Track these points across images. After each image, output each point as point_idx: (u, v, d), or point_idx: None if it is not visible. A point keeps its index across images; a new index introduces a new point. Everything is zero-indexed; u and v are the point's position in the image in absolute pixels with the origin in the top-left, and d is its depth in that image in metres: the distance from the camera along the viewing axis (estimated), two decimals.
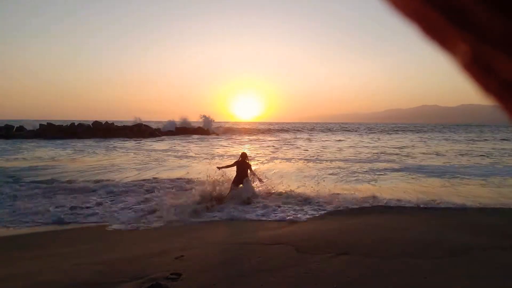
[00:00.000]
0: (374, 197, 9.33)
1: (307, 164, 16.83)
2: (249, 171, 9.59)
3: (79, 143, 29.18)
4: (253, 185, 9.51)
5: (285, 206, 8.57)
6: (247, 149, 26.48)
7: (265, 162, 17.41)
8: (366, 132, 62.26)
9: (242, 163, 9.58)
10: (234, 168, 9.68)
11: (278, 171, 14.14)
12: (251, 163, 10.22)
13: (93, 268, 4.63)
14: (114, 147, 26.72)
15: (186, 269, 4.43)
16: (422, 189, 10.70)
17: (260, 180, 9.65)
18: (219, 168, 9.67)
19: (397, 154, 22.06)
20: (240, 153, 10.08)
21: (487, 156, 20.49)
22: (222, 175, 9.66)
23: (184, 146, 28.22)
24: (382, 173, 13.86)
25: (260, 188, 9.69)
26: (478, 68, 0.26)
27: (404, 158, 19.87)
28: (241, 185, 9.48)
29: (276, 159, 18.85)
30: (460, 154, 21.78)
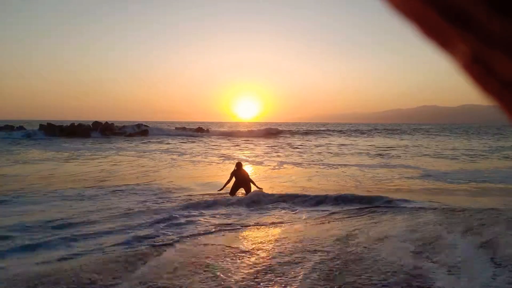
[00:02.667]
0: None
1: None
2: (248, 180, 9.81)
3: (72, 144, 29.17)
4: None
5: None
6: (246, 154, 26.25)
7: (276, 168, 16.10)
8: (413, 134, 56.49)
9: (239, 173, 9.79)
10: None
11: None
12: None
13: None
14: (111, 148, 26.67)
15: None
16: None
17: (259, 189, 9.79)
18: (220, 190, 9.75)
19: None
20: (235, 164, 10.17)
21: None
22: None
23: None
24: None
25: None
26: (478, 69, 0.26)
27: None
28: (240, 190, 9.78)
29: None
30: None
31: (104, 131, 41.43)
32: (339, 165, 16.95)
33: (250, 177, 10.03)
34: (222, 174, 13.11)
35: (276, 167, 16.09)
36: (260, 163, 17.64)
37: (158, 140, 35.27)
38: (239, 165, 9.95)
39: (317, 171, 14.85)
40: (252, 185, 9.81)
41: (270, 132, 48.42)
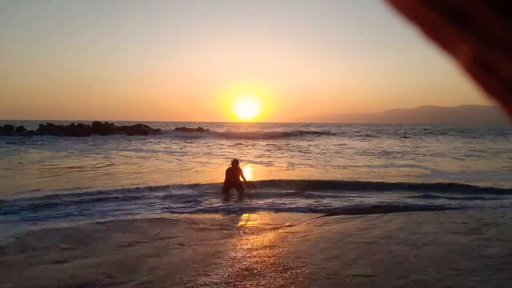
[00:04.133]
0: None
1: None
2: (240, 177, 9.83)
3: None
4: (244, 192, 9.73)
5: None
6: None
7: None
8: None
9: (233, 170, 9.79)
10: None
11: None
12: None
13: None
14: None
15: None
16: None
17: (248, 187, 9.87)
18: (224, 191, 9.72)
19: None
20: (232, 161, 10.27)
21: None
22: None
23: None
24: None
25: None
26: (479, 69, 0.26)
27: None
28: (231, 190, 9.73)
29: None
30: None
31: (104, 131, 41.45)
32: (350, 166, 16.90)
33: (243, 175, 9.91)
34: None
35: (290, 168, 16.05)
36: (269, 164, 17.55)
37: (159, 140, 35.28)
38: (235, 163, 9.97)
39: (327, 171, 14.93)
40: (242, 183, 9.78)
41: (273, 136, 47.94)
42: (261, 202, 9.03)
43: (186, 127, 55.46)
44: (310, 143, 34.67)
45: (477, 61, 0.26)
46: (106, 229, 6.57)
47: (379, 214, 7.75)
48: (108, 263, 4.92)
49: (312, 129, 73.72)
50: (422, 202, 9.08)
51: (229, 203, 8.92)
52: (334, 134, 54.23)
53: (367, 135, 51.25)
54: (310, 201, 9.16)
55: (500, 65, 0.25)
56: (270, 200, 9.18)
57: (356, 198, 9.39)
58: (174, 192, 9.73)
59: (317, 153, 23.61)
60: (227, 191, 9.63)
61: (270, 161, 18.49)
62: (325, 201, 9.16)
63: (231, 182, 9.69)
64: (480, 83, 0.27)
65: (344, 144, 32.40)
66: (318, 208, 8.57)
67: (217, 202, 8.97)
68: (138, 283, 4.24)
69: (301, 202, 9.12)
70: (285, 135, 48.62)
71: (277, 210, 8.44)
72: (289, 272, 4.51)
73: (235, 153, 23.76)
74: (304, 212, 8.29)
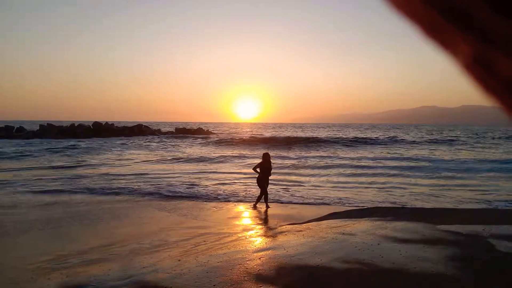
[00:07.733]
0: None
1: None
2: (267, 178, 9.35)
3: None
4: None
5: None
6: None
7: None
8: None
9: (266, 163, 9.35)
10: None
11: None
12: None
13: None
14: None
15: None
16: None
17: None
18: (260, 186, 9.32)
19: None
20: (262, 154, 9.66)
21: None
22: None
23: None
24: None
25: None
26: (480, 69, 0.26)
27: None
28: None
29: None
30: None
31: (105, 131, 41.42)
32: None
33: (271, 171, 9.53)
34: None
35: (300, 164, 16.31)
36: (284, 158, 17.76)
37: (160, 141, 35.25)
38: (266, 156, 9.43)
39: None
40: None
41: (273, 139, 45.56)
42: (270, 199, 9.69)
43: (186, 127, 55.35)
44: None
45: (477, 61, 0.26)
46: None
47: (383, 215, 7.75)
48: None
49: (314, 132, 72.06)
50: None
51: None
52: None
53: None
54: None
55: (500, 64, 0.25)
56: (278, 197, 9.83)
57: None
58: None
59: None
60: (263, 186, 9.22)
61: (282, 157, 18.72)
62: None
63: (267, 175, 9.27)
64: (480, 82, 0.27)
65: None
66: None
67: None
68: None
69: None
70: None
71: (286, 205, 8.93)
72: (291, 273, 4.51)
73: (237, 152, 23.71)
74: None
